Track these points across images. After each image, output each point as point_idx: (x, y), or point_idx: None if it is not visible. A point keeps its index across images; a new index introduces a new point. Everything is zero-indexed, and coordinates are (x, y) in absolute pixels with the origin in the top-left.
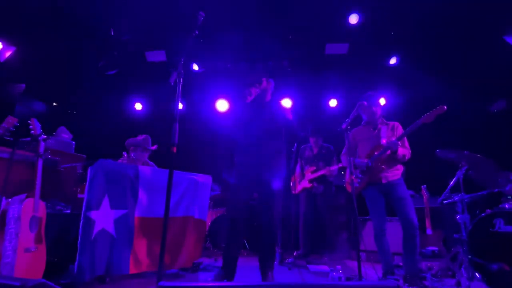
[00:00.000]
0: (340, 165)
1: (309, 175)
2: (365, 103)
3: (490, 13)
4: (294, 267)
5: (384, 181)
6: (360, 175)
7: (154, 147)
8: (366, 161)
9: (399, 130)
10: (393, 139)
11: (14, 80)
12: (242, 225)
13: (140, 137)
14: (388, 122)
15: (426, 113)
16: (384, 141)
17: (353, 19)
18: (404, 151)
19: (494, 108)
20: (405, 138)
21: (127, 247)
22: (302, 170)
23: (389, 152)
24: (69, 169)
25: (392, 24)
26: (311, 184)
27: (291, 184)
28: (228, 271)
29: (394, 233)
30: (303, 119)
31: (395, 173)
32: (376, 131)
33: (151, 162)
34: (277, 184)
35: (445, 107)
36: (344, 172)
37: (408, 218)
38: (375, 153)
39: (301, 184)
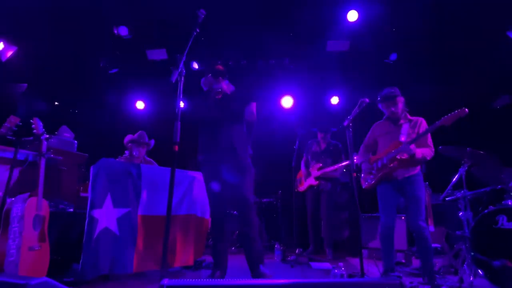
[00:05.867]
0: (348, 162)
1: (315, 172)
2: (366, 100)
3: (494, 9)
4: (297, 264)
5: (400, 178)
6: (374, 172)
7: (152, 142)
8: (373, 167)
9: (422, 126)
10: (413, 136)
11: (16, 79)
12: (222, 220)
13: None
14: (412, 118)
15: (446, 115)
16: (403, 138)
17: (352, 16)
18: (424, 150)
19: (497, 104)
20: (429, 135)
21: (131, 245)
22: (307, 166)
23: (406, 155)
24: (71, 168)
25: (394, 20)
26: (317, 182)
27: (297, 182)
28: (217, 269)
29: (397, 229)
30: (305, 115)
31: (412, 167)
32: (397, 126)
33: (149, 159)
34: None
35: (466, 109)
36: (347, 170)
37: (415, 223)
38: (392, 150)
39: (308, 182)
